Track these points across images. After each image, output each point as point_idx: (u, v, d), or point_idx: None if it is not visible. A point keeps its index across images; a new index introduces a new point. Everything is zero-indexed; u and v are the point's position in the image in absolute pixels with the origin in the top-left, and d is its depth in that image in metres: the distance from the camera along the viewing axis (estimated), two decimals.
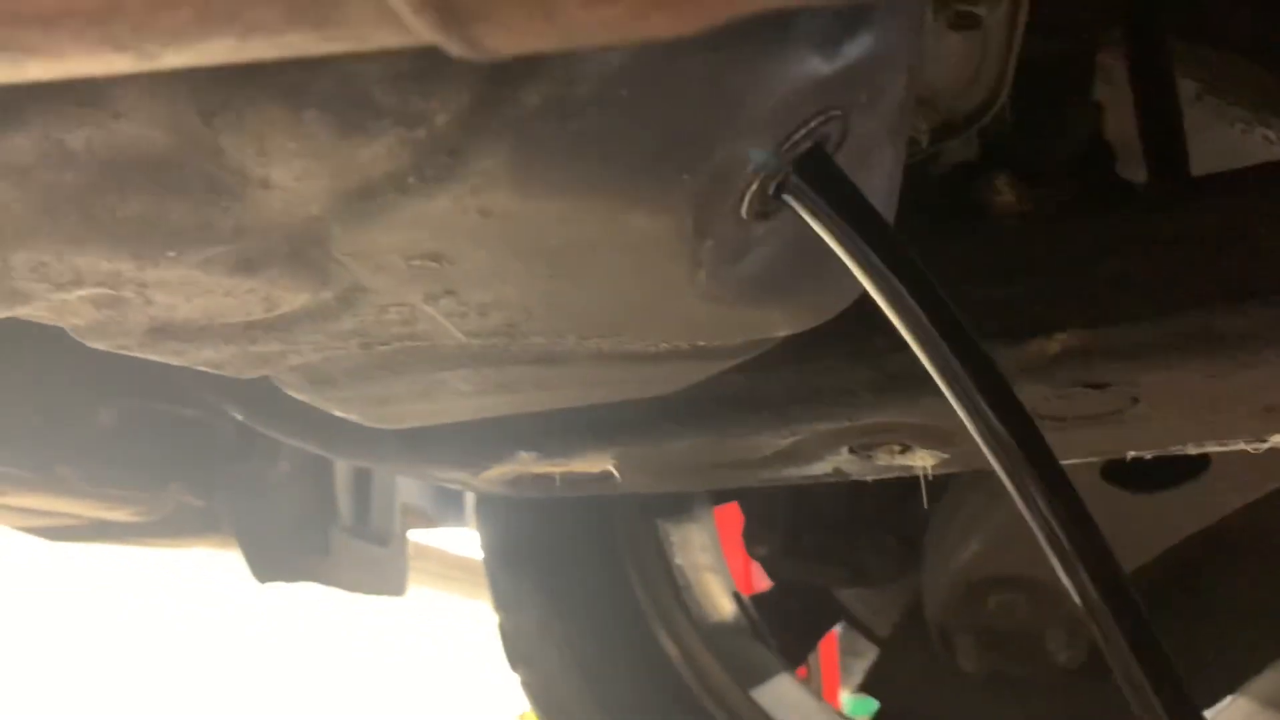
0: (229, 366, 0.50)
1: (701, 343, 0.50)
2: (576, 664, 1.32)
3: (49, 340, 0.85)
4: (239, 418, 0.83)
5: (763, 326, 0.46)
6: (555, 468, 0.76)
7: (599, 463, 0.75)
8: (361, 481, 1.55)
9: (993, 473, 0.98)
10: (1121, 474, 0.92)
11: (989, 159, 0.68)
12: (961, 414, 0.39)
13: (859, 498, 1.44)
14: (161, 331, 0.45)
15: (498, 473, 0.77)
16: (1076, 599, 0.38)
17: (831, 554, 1.46)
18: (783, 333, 0.48)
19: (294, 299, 0.41)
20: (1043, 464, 0.38)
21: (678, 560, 1.45)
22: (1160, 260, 0.56)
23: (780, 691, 1.43)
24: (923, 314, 0.38)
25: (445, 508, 1.93)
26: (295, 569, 1.35)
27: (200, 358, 0.49)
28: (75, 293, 0.40)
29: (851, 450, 0.73)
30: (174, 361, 0.50)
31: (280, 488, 1.35)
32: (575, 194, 0.34)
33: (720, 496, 1.66)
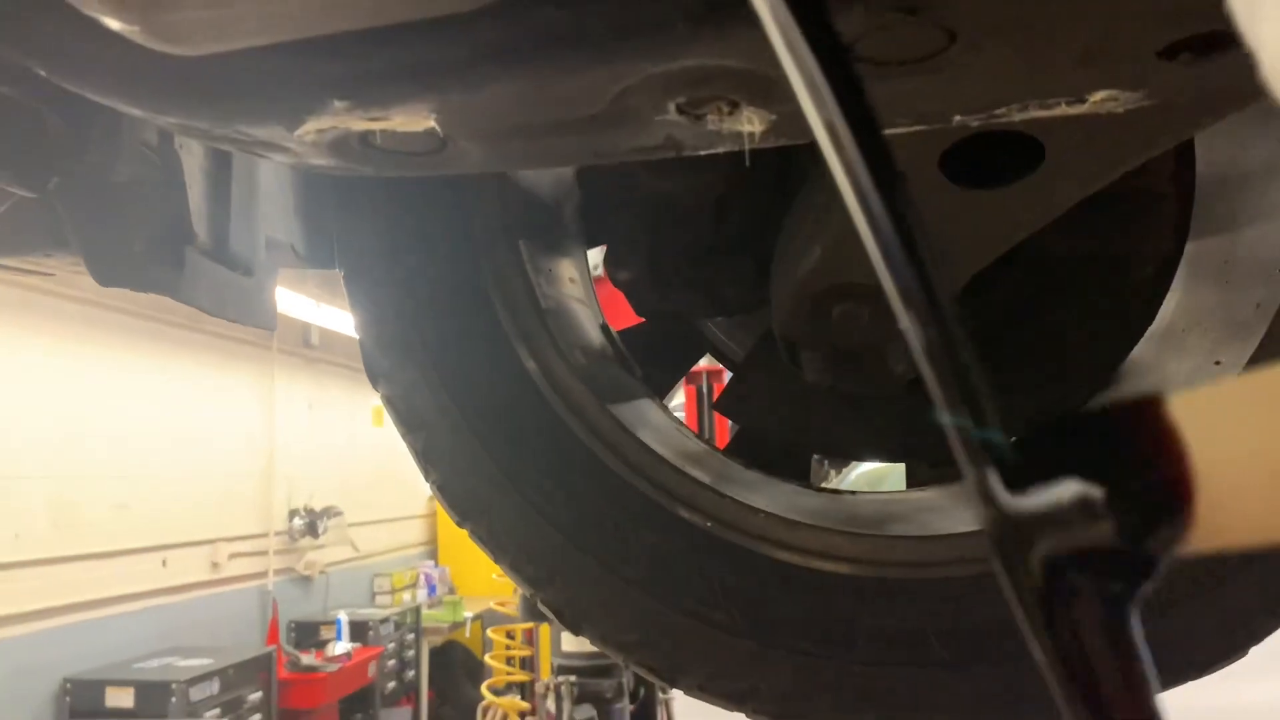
0: None
1: None
2: (436, 375, 1.33)
3: None
4: (41, 72, 0.77)
5: None
6: (374, 123, 0.73)
7: (419, 117, 0.73)
8: (218, 206, 1.50)
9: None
10: (958, 170, 0.93)
11: None
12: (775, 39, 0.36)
13: (720, 223, 1.45)
14: None
15: (314, 128, 0.74)
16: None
17: (691, 280, 1.48)
18: None
19: None
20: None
21: (544, 287, 1.45)
22: None
23: (640, 410, 1.48)
24: None
25: (314, 246, 1.87)
26: (145, 278, 1.31)
27: None
28: None
29: (680, 110, 0.72)
30: None
31: (124, 195, 1.30)
32: None
33: (590, 240, 1.65)
